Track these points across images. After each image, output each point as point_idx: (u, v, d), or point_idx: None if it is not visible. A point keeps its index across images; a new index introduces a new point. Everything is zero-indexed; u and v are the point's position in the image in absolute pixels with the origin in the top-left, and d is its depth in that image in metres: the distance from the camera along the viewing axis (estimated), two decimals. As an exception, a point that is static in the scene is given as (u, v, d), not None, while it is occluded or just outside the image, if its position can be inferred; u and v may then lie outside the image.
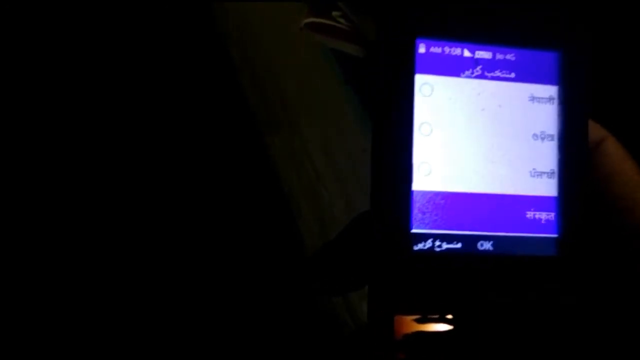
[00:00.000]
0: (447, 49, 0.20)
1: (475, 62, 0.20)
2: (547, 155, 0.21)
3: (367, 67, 0.51)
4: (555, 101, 0.21)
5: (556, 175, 0.21)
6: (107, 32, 0.62)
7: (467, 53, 0.20)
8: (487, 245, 0.20)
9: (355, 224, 0.22)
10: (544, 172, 0.21)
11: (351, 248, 0.21)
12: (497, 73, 0.21)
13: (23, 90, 0.61)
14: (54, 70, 0.62)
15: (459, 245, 0.20)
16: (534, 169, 0.21)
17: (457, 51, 0.20)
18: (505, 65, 0.21)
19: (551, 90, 0.21)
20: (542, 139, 0.21)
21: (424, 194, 0.20)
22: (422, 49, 0.20)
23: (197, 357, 0.54)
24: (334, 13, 0.56)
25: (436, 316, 0.19)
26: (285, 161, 0.57)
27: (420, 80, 0.20)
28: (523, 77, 0.21)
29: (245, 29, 0.61)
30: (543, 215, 0.21)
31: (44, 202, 0.58)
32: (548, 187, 0.21)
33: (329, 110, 0.57)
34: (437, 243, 0.20)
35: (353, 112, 0.56)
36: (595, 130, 0.21)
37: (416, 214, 0.20)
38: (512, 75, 0.21)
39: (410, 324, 0.19)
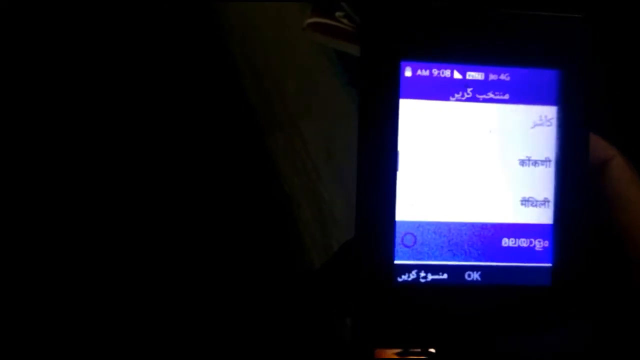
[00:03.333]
0: (435, 71, 0.19)
1: (466, 84, 0.19)
2: (543, 181, 0.20)
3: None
4: (554, 123, 0.20)
5: (552, 201, 0.20)
6: (109, 33, 0.62)
7: (457, 74, 0.19)
8: (474, 276, 0.19)
9: (341, 253, 0.21)
10: (539, 199, 0.20)
11: (335, 278, 0.20)
12: (490, 95, 0.19)
13: (25, 90, 0.61)
14: (56, 70, 0.61)
15: (445, 276, 0.19)
16: (528, 196, 0.20)
17: (446, 73, 0.19)
18: (498, 86, 0.19)
19: (550, 112, 0.20)
20: (538, 164, 0.20)
21: (408, 224, 0.19)
22: (408, 72, 0.19)
23: (197, 356, 0.54)
24: (337, 13, 0.55)
25: (418, 350, 0.19)
26: (286, 161, 0.56)
27: (406, 106, 0.19)
28: (519, 98, 0.19)
29: (247, 29, 0.60)
30: (537, 244, 0.20)
31: (45, 202, 0.58)
32: (542, 215, 0.20)
33: (331, 111, 0.57)
34: (422, 274, 0.19)
35: (355, 113, 0.55)
36: (601, 148, 0.20)
37: (399, 244, 0.19)
38: (507, 96, 0.19)
39: (392, 358, 0.19)
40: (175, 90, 0.61)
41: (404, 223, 0.19)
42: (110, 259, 0.56)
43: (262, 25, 0.59)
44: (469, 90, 0.19)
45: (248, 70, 0.60)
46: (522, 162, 0.20)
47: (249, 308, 0.54)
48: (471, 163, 0.19)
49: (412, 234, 0.19)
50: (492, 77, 0.19)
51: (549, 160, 0.20)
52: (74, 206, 0.58)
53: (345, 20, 0.54)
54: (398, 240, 0.19)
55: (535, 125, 0.20)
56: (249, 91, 0.59)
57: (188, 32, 0.62)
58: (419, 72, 0.19)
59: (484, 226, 0.19)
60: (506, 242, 0.19)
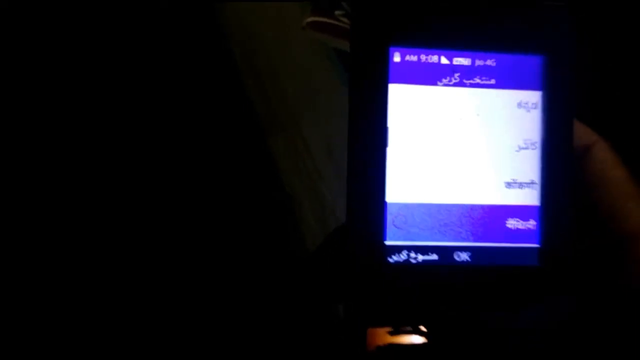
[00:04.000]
0: (423, 57, 0.20)
1: (453, 69, 0.20)
2: (529, 163, 0.20)
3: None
4: (539, 107, 0.20)
5: (538, 183, 0.20)
6: (110, 34, 0.63)
7: (444, 60, 0.20)
8: (464, 256, 0.20)
9: (333, 237, 0.21)
10: (526, 181, 0.20)
11: (327, 262, 0.21)
12: (477, 80, 0.20)
13: (25, 89, 0.61)
14: (55, 70, 0.62)
15: (435, 256, 0.19)
16: (514, 178, 0.20)
17: (433, 58, 0.20)
18: (485, 72, 0.20)
19: (535, 96, 0.20)
20: (524, 147, 0.20)
21: (398, 205, 0.19)
22: (396, 58, 0.19)
23: (196, 354, 0.54)
24: (337, 12, 0.55)
25: (409, 328, 0.19)
26: (287, 161, 0.57)
27: (395, 91, 0.19)
28: (504, 83, 0.20)
29: (248, 29, 0.61)
30: (524, 225, 0.20)
31: (44, 201, 0.59)
32: (530, 196, 0.20)
33: (331, 110, 0.57)
34: (413, 255, 0.19)
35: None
36: (585, 134, 0.21)
37: (390, 225, 0.19)
38: (493, 81, 0.20)
39: (384, 336, 0.19)
40: (175, 90, 0.62)
41: (394, 205, 0.19)
42: (110, 257, 0.57)
43: (262, 25, 0.60)
44: (456, 75, 0.20)
45: (248, 70, 0.60)
46: (509, 146, 0.20)
47: (250, 306, 0.54)
48: (459, 146, 0.20)
49: (402, 215, 0.19)
50: (478, 62, 0.20)
51: (535, 144, 0.20)
52: (73, 206, 0.58)
53: (344, 19, 0.55)
54: (389, 221, 0.19)
55: (521, 109, 0.20)
56: (250, 91, 0.60)
57: (188, 33, 0.63)
58: (407, 57, 0.19)
59: (472, 207, 0.20)
60: (494, 223, 0.20)
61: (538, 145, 0.20)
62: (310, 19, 0.56)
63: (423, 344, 0.19)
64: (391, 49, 0.19)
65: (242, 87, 0.60)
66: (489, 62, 0.20)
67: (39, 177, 0.59)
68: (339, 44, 0.56)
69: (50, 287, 0.56)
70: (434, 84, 0.20)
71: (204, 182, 0.60)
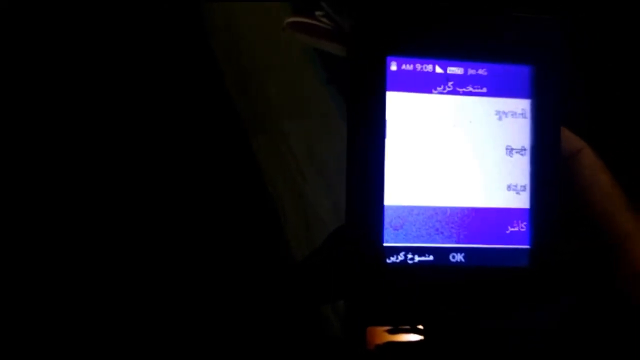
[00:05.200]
0: (418, 66, 0.20)
1: (447, 78, 0.21)
2: (519, 169, 0.21)
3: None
4: (528, 115, 0.21)
5: (528, 187, 0.21)
6: (93, 34, 0.62)
7: (438, 69, 0.21)
8: (459, 257, 0.21)
9: (331, 239, 0.22)
10: (516, 185, 0.21)
11: (327, 262, 0.21)
12: (469, 88, 0.21)
13: (17, 91, 0.60)
14: (48, 71, 0.61)
15: (431, 257, 0.20)
16: (506, 182, 0.21)
17: (428, 68, 0.21)
18: (477, 81, 0.21)
19: (523, 104, 0.21)
20: (514, 152, 0.21)
21: (396, 208, 0.20)
22: (393, 67, 0.20)
23: (186, 352, 0.54)
24: (317, 13, 0.56)
25: (407, 327, 0.20)
26: (270, 161, 0.57)
27: (392, 98, 0.20)
28: (495, 91, 0.21)
29: (231, 30, 0.61)
30: (515, 227, 0.21)
31: (31, 203, 0.58)
32: (521, 200, 0.21)
33: (314, 110, 0.57)
34: (410, 256, 0.20)
35: (337, 112, 0.56)
36: (572, 141, 0.22)
37: (388, 227, 0.20)
38: (484, 90, 0.21)
39: (382, 335, 0.20)
40: (158, 91, 0.61)
41: (391, 207, 0.20)
42: (95, 259, 0.56)
43: (245, 26, 0.60)
44: (449, 83, 0.21)
45: (231, 70, 0.60)
46: (500, 151, 0.21)
47: (236, 305, 0.54)
48: (453, 151, 0.21)
49: (399, 217, 0.20)
50: (470, 72, 0.21)
51: (525, 149, 0.21)
52: (56, 208, 0.58)
53: (325, 20, 0.55)
54: (387, 223, 0.20)
55: (511, 116, 0.21)
56: (232, 91, 0.60)
57: (171, 34, 0.63)
58: (403, 66, 0.20)
59: (466, 210, 0.21)
60: (487, 225, 0.21)
61: (528, 150, 0.21)
62: (290, 20, 0.56)
63: (420, 342, 0.20)
64: (388, 58, 0.20)
65: (224, 88, 0.60)
66: (480, 72, 0.21)
67: (22, 178, 0.58)
68: (319, 44, 0.57)
69: (46, 286, 0.55)
70: (429, 92, 0.21)
71: (186, 184, 0.60)
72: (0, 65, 0.60)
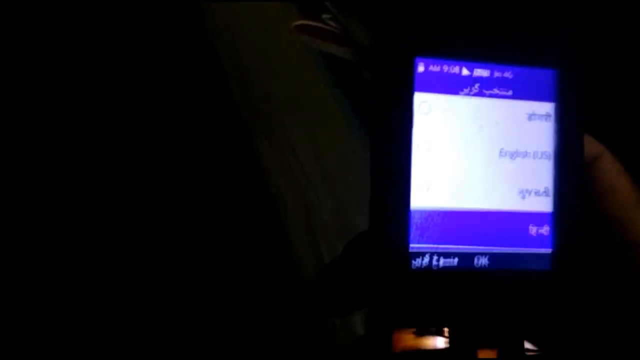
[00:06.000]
0: (445, 68, 0.20)
1: (474, 80, 0.21)
2: (544, 172, 0.21)
3: (365, 85, 0.52)
4: (552, 118, 0.21)
5: (552, 191, 0.21)
6: (93, 35, 0.62)
7: (465, 71, 0.21)
8: (483, 261, 0.20)
9: (353, 245, 0.22)
10: (540, 189, 0.21)
11: (350, 269, 0.21)
12: (495, 91, 0.21)
13: (16, 91, 0.60)
14: (36, 71, 0.61)
15: (455, 261, 0.20)
16: (530, 185, 0.21)
17: (455, 69, 0.20)
18: (503, 83, 0.21)
19: (548, 108, 0.21)
20: (539, 155, 0.21)
21: (422, 212, 0.20)
22: (421, 68, 0.20)
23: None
24: (324, 16, 0.56)
25: (433, 329, 0.20)
26: (273, 164, 0.57)
27: (419, 99, 0.20)
28: (520, 94, 0.21)
29: (234, 30, 0.61)
30: (538, 231, 0.21)
31: (30, 203, 0.57)
32: (543, 203, 0.21)
33: (318, 113, 0.57)
34: (435, 259, 0.20)
35: (342, 115, 0.56)
36: (592, 146, 0.22)
37: (414, 231, 0.20)
38: (510, 92, 0.21)
39: (408, 337, 0.20)
40: (160, 91, 0.61)
41: (417, 211, 0.20)
42: (91, 257, 0.56)
43: (248, 27, 0.60)
44: (476, 85, 0.21)
45: (234, 71, 0.60)
46: (525, 154, 0.21)
47: (235, 312, 0.54)
48: (479, 154, 0.21)
49: (425, 221, 0.20)
50: (496, 74, 0.21)
51: (549, 153, 0.21)
52: (54, 207, 0.57)
53: (332, 23, 0.55)
54: (413, 227, 0.20)
55: (536, 119, 0.21)
56: (235, 93, 0.60)
57: (173, 33, 0.62)
58: (431, 67, 0.20)
59: (491, 214, 0.21)
60: (511, 228, 0.21)
61: (551, 154, 0.21)
62: (297, 23, 0.56)
63: (445, 349, 0.20)
64: (416, 59, 0.20)
65: (227, 88, 0.60)
66: (506, 74, 0.21)
67: (17, 179, 0.58)
68: (325, 47, 0.57)
69: (45, 286, 0.54)
70: (456, 93, 0.21)
71: (187, 182, 0.59)
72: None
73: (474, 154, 0.21)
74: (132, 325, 0.54)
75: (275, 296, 0.53)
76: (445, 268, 0.20)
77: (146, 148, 0.60)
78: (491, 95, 0.21)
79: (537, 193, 0.21)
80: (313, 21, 0.56)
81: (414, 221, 0.20)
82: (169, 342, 0.53)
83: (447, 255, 0.20)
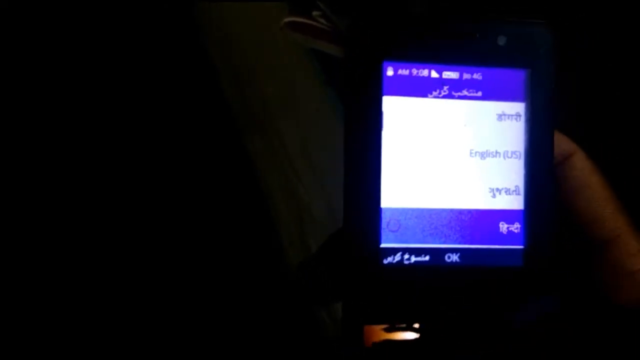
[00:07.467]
0: (414, 71, 0.21)
1: (442, 82, 0.21)
2: (514, 171, 0.22)
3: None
4: (522, 118, 0.22)
5: (522, 189, 0.22)
6: (88, 34, 0.62)
7: (434, 74, 0.21)
8: (454, 258, 0.21)
9: (329, 242, 0.22)
10: (510, 187, 0.22)
11: (327, 263, 0.22)
12: (464, 92, 0.21)
13: (14, 90, 0.60)
14: (35, 71, 0.61)
15: (427, 257, 0.21)
16: (500, 184, 0.22)
17: (424, 72, 0.21)
18: (472, 85, 0.21)
19: (518, 107, 0.22)
20: (509, 155, 0.22)
21: (393, 210, 0.21)
22: (389, 72, 0.21)
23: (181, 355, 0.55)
24: (314, 13, 0.56)
25: (403, 325, 0.20)
26: (264, 161, 0.57)
27: (388, 102, 0.21)
28: (490, 95, 0.22)
29: (225, 29, 0.61)
30: (510, 228, 0.22)
31: (27, 203, 0.58)
32: (514, 201, 0.22)
33: (309, 111, 0.58)
34: (406, 256, 0.21)
35: (333, 112, 0.57)
36: (564, 144, 0.22)
37: (385, 229, 0.21)
38: (479, 94, 0.21)
39: (379, 333, 0.20)
40: (152, 91, 0.61)
41: (388, 210, 0.21)
42: (89, 256, 0.56)
43: (239, 26, 0.60)
44: (445, 88, 0.21)
45: (226, 70, 0.61)
46: (495, 154, 0.22)
47: (227, 307, 0.54)
48: (448, 154, 0.21)
49: (396, 219, 0.21)
50: (466, 76, 0.21)
51: (519, 152, 0.22)
52: (49, 207, 0.58)
53: (322, 20, 0.55)
54: (384, 225, 0.21)
55: (506, 119, 0.22)
56: (227, 91, 0.60)
57: (165, 33, 0.63)
58: (399, 71, 0.21)
59: (462, 212, 0.21)
60: (482, 226, 0.21)
61: (522, 153, 0.22)
62: (287, 19, 0.56)
63: (415, 339, 0.20)
64: (385, 63, 0.20)
65: (219, 87, 0.60)
66: (475, 76, 0.21)
67: (15, 179, 0.58)
68: (316, 44, 0.57)
69: (44, 286, 0.55)
70: (425, 96, 0.21)
71: (179, 181, 0.60)
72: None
73: (444, 155, 0.21)
74: (126, 321, 0.54)
75: (265, 291, 0.53)
76: (416, 264, 0.21)
77: (139, 147, 0.60)
78: (460, 97, 0.21)
79: (507, 191, 0.22)
80: (303, 18, 0.56)
81: (385, 219, 0.21)
82: (159, 335, 0.54)
83: (418, 252, 0.21)
